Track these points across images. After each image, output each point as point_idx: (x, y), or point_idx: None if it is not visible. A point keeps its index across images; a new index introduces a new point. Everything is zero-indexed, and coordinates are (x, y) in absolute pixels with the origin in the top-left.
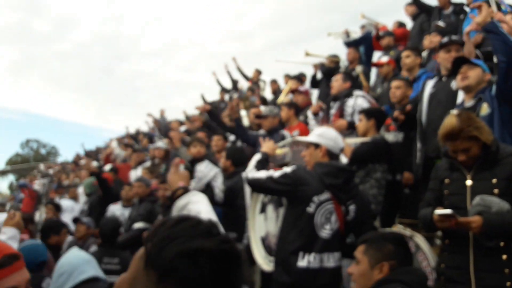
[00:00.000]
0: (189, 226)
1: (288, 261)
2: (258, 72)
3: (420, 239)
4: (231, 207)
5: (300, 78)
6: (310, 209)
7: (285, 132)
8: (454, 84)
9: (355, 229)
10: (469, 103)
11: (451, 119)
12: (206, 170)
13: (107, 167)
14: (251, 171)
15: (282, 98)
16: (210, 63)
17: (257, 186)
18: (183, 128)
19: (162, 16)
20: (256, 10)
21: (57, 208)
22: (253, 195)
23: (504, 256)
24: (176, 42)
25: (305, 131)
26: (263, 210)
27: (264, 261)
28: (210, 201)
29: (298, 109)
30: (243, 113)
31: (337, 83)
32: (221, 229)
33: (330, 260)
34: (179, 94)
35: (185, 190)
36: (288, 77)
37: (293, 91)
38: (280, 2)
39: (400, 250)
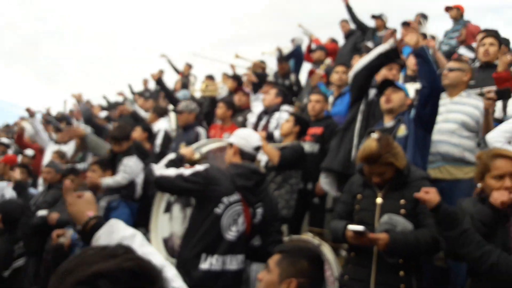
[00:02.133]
0: (91, 254)
1: (190, 263)
2: (189, 66)
3: (326, 249)
4: (144, 198)
5: (239, 78)
6: (218, 210)
7: (200, 129)
8: None
9: (261, 232)
10: (389, 123)
11: (371, 143)
12: (134, 166)
13: (29, 152)
14: (159, 169)
15: (208, 89)
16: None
17: (165, 184)
18: (103, 114)
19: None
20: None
21: None
22: (158, 193)
23: (402, 273)
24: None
25: None
26: (168, 209)
27: None
28: (130, 197)
29: (236, 110)
30: (171, 107)
31: (270, 96)
32: (143, 250)
33: (233, 263)
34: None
35: (98, 220)
36: (226, 75)
37: (236, 90)
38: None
39: (314, 270)
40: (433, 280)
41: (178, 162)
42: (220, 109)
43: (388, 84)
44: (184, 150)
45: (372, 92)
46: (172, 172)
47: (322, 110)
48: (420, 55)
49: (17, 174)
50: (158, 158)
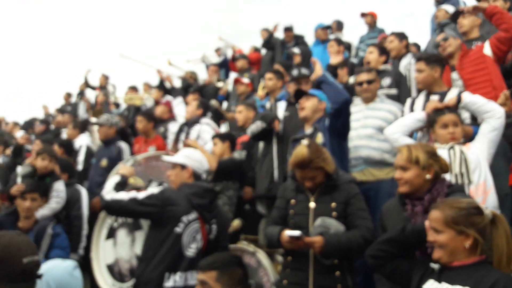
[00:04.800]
0: None
1: (153, 283)
2: (105, 78)
3: (262, 255)
4: (65, 219)
5: (164, 87)
6: (179, 229)
7: (122, 144)
8: None
9: (213, 247)
10: (308, 130)
11: (302, 150)
12: (64, 189)
13: None
14: (109, 193)
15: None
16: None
17: (118, 208)
18: (19, 134)
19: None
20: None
21: None
22: (99, 220)
23: (337, 273)
24: None
25: (163, 146)
26: (110, 235)
27: None
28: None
29: (156, 121)
30: (93, 120)
31: (191, 108)
32: None
33: (194, 278)
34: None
35: None
36: (148, 85)
37: (157, 102)
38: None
39: (244, 273)
40: (365, 275)
41: (123, 184)
42: (140, 123)
43: (301, 94)
44: (123, 169)
45: (281, 112)
46: (123, 196)
47: (246, 118)
48: (321, 82)
49: None
50: (81, 175)
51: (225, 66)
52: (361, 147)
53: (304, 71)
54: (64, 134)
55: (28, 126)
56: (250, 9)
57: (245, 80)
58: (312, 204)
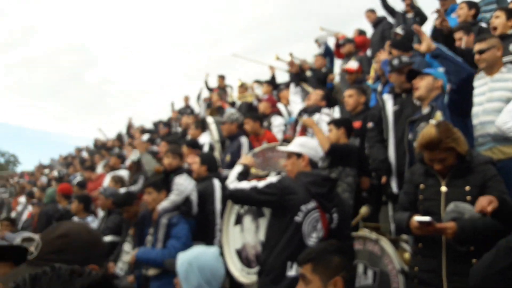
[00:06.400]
0: None
1: (276, 271)
2: (222, 78)
3: (385, 243)
4: (200, 213)
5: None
6: (298, 218)
7: (243, 139)
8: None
9: (335, 236)
10: (425, 110)
11: (430, 130)
12: (186, 183)
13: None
14: (232, 182)
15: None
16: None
17: (241, 197)
18: (145, 137)
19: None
20: (229, 17)
21: (13, 223)
22: (228, 206)
23: (474, 260)
24: (145, 48)
25: (273, 139)
26: (238, 221)
27: (241, 274)
28: (187, 214)
29: (262, 119)
30: (210, 120)
31: (315, 97)
32: None
33: None
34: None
35: None
36: (258, 82)
37: (259, 99)
38: (253, 9)
39: (345, 259)
40: None
41: (245, 174)
42: (247, 125)
43: (414, 74)
44: (244, 159)
45: (390, 107)
46: (245, 185)
47: (357, 103)
48: (437, 56)
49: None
50: None
51: (329, 54)
52: (488, 123)
53: (405, 59)
54: (189, 135)
55: (154, 129)
56: None
57: (353, 65)
58: (443, 188)
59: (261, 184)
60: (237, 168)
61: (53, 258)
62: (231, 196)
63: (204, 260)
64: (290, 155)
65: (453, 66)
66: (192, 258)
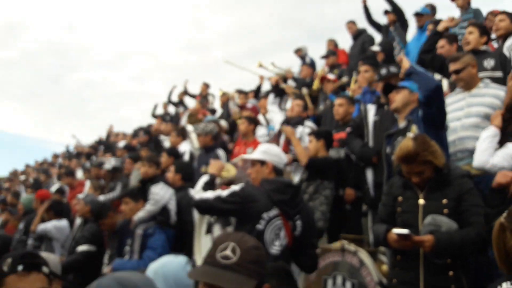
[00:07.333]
0: None
1: None
2: (206, 86)
3: (364, 255)
4: (178, 224)
5: (246, 93)
6: (260, 226)
7: (220, 151)
8: None
9: (300, 244)
10: (402, 124)
11: (407, 143)
12: (162, 192)
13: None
14: (197, 192)
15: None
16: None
17: (205, 207)
18: (122, 144)
19: (114, 25)
20: (216, 22)
21: None
22: (198, 216)
23: (451, 273)
24: (128, 51)
25: None
26: (208, 230)
27: None
28: (164, 224)
29: (257, 123)
30: (190, 128)
31: (297, 108)
32: None
33: None
34: (130, 105)
35: None
36: (239, 92)
37: (241, 107)
38: (240, 15)
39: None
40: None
41: (211, 183)
42: (243, 125)
43: (391, 88)
44: (212, 167)
45: (371, 116)
46: (210, 194)
47: (346, 113)
48: (410, 74)
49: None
50: None
51: (312, 66)
52: (466, 138)
53: (393, 69)
54: (166, 142)
55: (134, 135)
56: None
57: (331, 76)
58: (421, 201)
59: (224, 193)
60: (204, 178)
61: (253, 269)
62: (196, 206)
63: (169, 269)
64: (254, 162)
65: (422, 80)
66: (158, 266)
